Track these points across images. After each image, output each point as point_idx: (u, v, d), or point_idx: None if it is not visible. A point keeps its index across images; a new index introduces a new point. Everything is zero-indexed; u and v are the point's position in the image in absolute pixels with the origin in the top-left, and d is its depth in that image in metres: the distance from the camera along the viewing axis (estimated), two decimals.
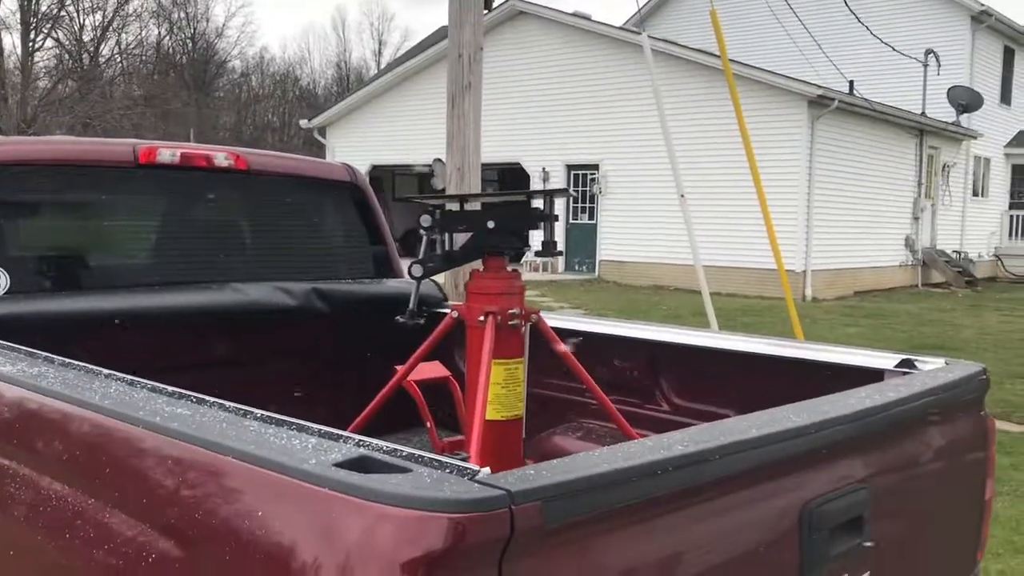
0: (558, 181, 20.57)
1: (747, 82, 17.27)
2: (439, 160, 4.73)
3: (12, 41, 40.59)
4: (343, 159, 23.77)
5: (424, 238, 2.64)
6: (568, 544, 1.32)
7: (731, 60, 7.22)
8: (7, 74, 34.00)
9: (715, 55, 14.61)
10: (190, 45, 54.02)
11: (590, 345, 3.45)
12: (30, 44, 35.26)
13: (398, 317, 2.67)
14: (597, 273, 20.10)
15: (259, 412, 1.67)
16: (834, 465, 1.84)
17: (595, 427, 3.53)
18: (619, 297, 16.72)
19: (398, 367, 2.86)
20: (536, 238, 2.72)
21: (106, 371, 2.03)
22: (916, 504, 2.10)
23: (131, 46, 47.64)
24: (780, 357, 2.82)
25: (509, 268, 2.67)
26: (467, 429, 2.63)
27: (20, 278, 3.08)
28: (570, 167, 20.58)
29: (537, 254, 2.69)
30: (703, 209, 17.51)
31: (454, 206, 2.67)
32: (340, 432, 1.54)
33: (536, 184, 20.94)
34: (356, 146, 23.53)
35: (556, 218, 2.68)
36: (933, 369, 2.39)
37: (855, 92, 18.97)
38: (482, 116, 5.84)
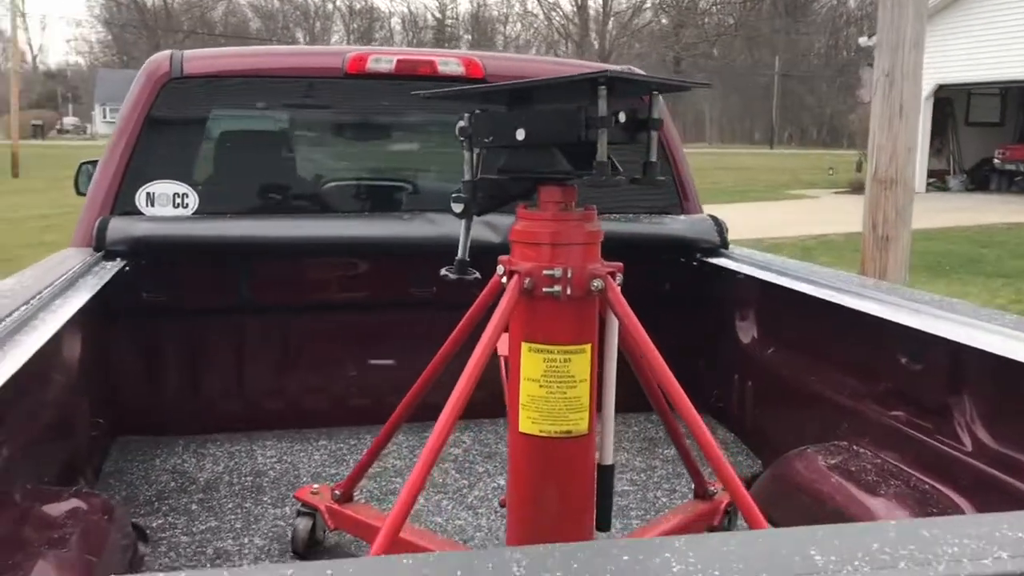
0: None
1: None
2: (868, 66, 3.55)
3: None
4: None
5: (469, 156, 1.85)
6: None
7: None
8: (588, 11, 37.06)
9: None
10: None
11: (869, 332, 2.32)
12: None
13: (443, 270, 1.93)
14: None
15: None
16: None
17: (865, 452, 2.38)
18: None
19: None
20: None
21: None
22: None
23: None
24: None
25: (575, 206, 1.74)
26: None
27: (210, 198, 2.99)
28: None
29: (632, 181, 1.74)
30: None
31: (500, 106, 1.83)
32: None
33: None
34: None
35: (658, 123, 1.70)
36: None
37: None
38: None
